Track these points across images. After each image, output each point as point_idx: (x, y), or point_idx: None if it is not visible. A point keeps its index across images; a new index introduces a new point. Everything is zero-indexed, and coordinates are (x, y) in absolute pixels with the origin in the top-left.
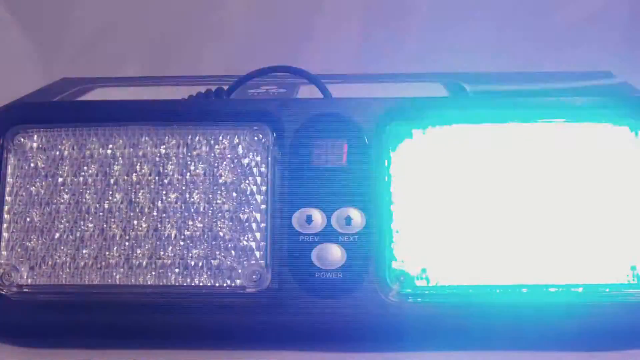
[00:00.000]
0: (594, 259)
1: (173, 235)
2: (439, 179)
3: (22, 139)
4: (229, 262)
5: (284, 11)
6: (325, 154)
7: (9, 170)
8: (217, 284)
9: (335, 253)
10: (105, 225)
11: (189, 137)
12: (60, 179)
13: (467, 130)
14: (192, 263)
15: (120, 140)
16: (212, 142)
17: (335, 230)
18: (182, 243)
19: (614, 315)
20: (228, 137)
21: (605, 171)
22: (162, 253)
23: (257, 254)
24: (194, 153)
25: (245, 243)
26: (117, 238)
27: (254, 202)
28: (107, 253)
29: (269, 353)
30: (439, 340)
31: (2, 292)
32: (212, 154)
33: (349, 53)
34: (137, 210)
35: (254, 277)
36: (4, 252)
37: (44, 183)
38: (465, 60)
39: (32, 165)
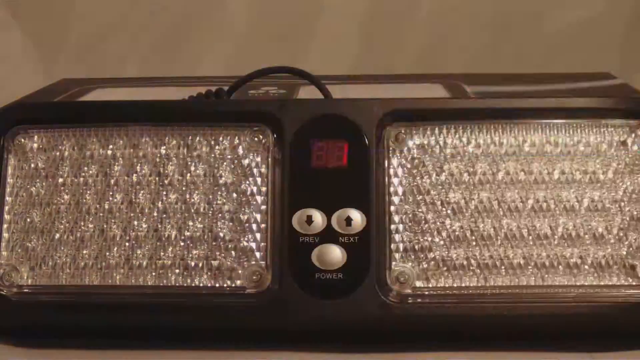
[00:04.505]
0: (594, 259)
1: (173, 235)
2: (439, 179)
3: (23, 140)
4: (229, 263)
5: (285, 12)
6: (326, 155)
7: (9, 170)
8: (217, 285)
9: (335, 254)
10: (105, 226)
11: (189, 137)
12: (60, 180)
13: (467, 131)
14: (192, 264)
15: (121, 141)
16: (212, 142)
17: (336, 230)
18: (182, 244)
19: (615, 316)
20: (228, 138)
21: (605, 172)
22: (162, 254)
23: (258, 254)
24: (194, 154)
25: (245, 244)
26: (118, 239)
27: (254, 202)
28: (107, 254)
29: (269, 354)
30: (439, 341)
31: (2, 292)
32: (213, 155)
33: (349, 54)
34: (137, 210)
35: (254, 277)
36: (4, 253)
37: (44, 183)
38: (465, 61)
39: (32, 165)
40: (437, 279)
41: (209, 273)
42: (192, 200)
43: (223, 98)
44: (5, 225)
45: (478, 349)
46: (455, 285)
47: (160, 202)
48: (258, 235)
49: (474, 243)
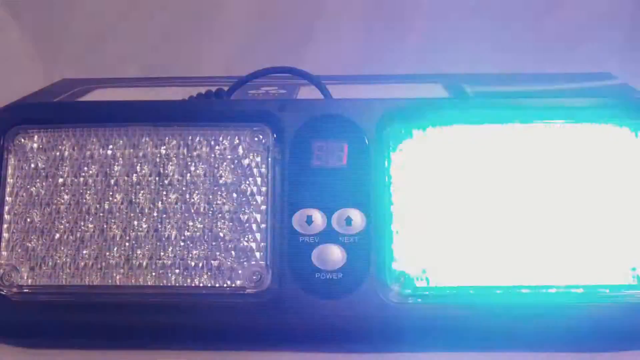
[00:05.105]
0: (594, 260)
1: (173, 235)
2: (439, 179)
3: (23, 140)
4: (229, 263)
5: (285, 11)
6: (326, 155)
7: (9, 170)
8: (217, 285)
9: (335, 254)
10: (105, 226)
11: (189, 137)
12: (60, 180)
13: (467, 131)
14: (193, 264)
15: (121, 141)
16: (212, 142)
17: (336, 231)
18: (182, 244)
19: (615, 316)
20: (228, 138)
21: (606, 172)
22: (162, 254)
23: (258, 254)
24: (194, 154)
25: (245, 244)
26: (118, 239)
27: (254, 202)
28: (107, 253)
29: (269, 354)
30: (439, 341)
31: (2, 292)
32: (213, 155)
33: (349, 54)
34: (138, 210)
35: (254, 277)
36: (4, 253)
37: (44, 183)
38: (465, 61)
39: (32, 165)
40: (437, 279)
41: (209, 273)
42: (192, 200)
43: (223, 98)
44: (5, 225)
45: (478, 349)
46: (455, 285)
47: (160, 202)
48: (258, 235)
49: (474, 243)
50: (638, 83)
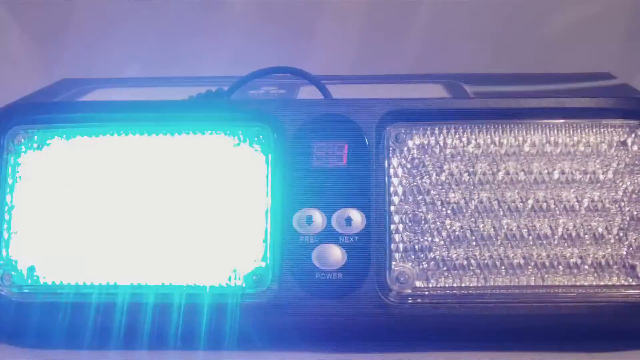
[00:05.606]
0: (594, 259)
1: (173, 234)
2: (439, 179)
3: (23, 139)
4: (229, 263)
5: (285, 11)
6: (326, 155)
7: (9, 170)
8: (217, 285)
9: (335, 254)
10: (106, 226)
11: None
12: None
13: (467, 131)
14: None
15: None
16: (212, 142)
17: (336, 230)
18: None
19: (614, 315)
20: (228, 138)
21: (605, 172)
22: (161, 253)
23: (258, 254)
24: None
25: (245, 244)
26: (118, 239)
27: (254, 202)
28: (107, 254)
29: (269, 353)
30: (439, 341)
31: (2, 292)
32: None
33: (349, 54)
34: (142, 210)
35: (254, 277)
36: (4, 253)
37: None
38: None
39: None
40: (437, 279)
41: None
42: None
43: (223, 98)
44: (5, 225)
45: (478, 349)
46: (455, 285)
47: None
48: (258, 235)
49: (474, 243)
50: (638, 83)
